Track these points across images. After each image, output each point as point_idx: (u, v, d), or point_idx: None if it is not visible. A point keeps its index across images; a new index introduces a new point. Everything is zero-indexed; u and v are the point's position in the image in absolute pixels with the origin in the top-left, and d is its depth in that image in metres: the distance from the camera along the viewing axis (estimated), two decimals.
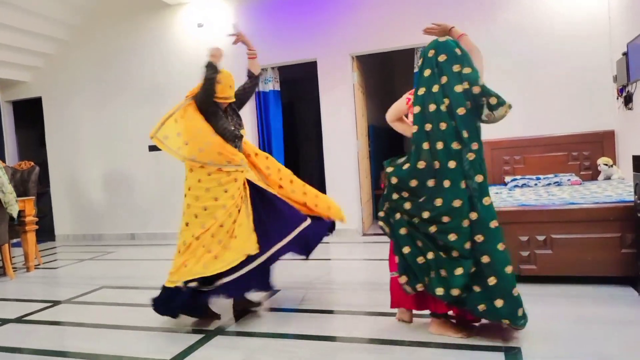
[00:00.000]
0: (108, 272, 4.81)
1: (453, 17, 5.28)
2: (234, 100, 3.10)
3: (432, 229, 2.35)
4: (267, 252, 2.80)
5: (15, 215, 4.61)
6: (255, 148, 3.26)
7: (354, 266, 4.51)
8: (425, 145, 2.37)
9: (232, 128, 3.01)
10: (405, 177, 2.44)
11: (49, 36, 6.76)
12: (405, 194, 2.47)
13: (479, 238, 2.30)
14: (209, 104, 2.97)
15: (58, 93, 7.09)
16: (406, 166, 2.46)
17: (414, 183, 2.42)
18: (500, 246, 2.29)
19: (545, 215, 3.18)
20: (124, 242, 6.66)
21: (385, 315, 2.81)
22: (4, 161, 6.34)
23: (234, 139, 2.99)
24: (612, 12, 4.72)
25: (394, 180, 2.48)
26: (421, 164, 2.39)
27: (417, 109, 2.43)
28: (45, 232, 7.05)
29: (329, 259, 4.94)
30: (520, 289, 3.12)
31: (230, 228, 2.83)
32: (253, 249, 2.79)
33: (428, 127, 2.37)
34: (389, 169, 2.52)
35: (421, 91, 2.42)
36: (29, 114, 7.53)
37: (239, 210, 2.89)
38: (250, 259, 2.77)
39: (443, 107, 2.34)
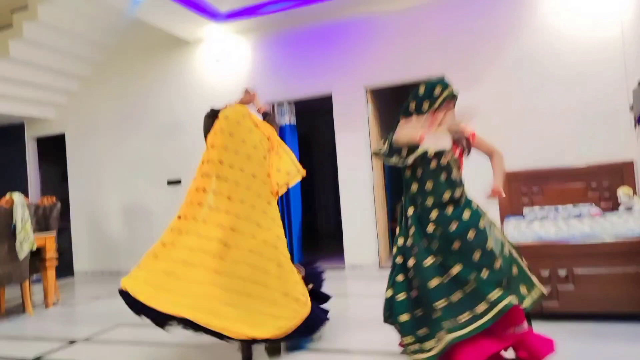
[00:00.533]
0: (124, 309, 4.79)
1: (465, 49, 5.35)
2: None
3: None
4: None
5: (20, 257, 4.54)
6: None
7: (370, 302, 4.42)
8: None
9: None
10: None
11: (72, 73, 7.01)
12: None
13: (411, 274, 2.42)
14: None
15: (81, 129, 7.28)
16: None
17: None
18: (433, 282, 2.31)
19: (566, 249, 3.12)
20: None
21: (403, 355, 2.74)
22: (27, 197, 6.48)
23: None
24: (626, 41, 4.72)
25: None
26: None
27: None
28: (64, 267, 7.11)
29: (346, 295, 4.88)
30: (543, 327, 3.03)
31: None
32: None
33: None
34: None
35: None
36: (53, 150, 7.73)
37: None
38: None
39: None
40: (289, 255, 2.97)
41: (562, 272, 3.10)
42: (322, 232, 9.18)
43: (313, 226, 8.97)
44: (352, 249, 5.91)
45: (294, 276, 2.90)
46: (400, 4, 5.66)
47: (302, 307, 2.84)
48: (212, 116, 3.17)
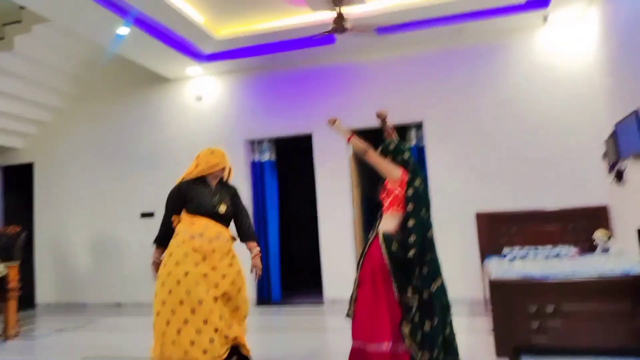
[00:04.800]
0: (90, 342, 4.54)
1: (444, 92, 5.58)
2: (218, 176, 3.25)
3: None
4: None
5: None
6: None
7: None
8: None
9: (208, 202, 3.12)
10: None
11: (44, 104, 6.81)
12: None
13: None
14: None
15: (50, 159, 7.04)
16: None
17: None
18: None
19: (553, 286, 3.16)
20: (109, 311, 6.33)
21: None
22: None
23: (206, 213, 3.10)
24: (595, 92, 5.01)
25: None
26: None
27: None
28: (24, 300, 6.67)
29: (325, 330, 4.77)
30: None
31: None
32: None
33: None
34: None
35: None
36: (19, 180, 7.43)
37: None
38: None
39: None
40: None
41: (550, 308, 3.12)
42: (300, 269, 9.03)
43: (291, 262, 8.82)
44: (332, 284, 5.83)
45: None
46: (381, 54, 5.88)
47: None
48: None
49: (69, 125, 7.01)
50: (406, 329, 2.63)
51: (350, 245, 5.82)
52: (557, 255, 4.28)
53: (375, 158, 2.93)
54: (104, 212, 6.73)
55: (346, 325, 4.70)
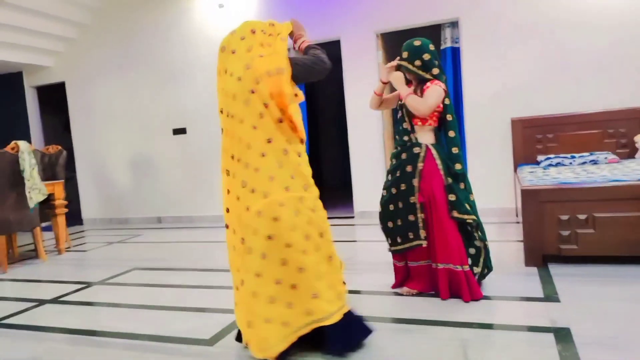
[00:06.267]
0: (137, 254, 4.84)
1: None
2: None
3: None
4: None
5: (31, 205, 4.45)
6: None
7: (378, 248, 4.44)
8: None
9: None
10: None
11: (70, 20, 6.74)
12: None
13: None
14: None
15: (81, 77, 7.10)
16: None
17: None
18: None
19: (587, 193, 3.07)
20: (150, 225, 6.71)
21: (408, 295, 2.84)
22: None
23: None
24: None
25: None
26: None
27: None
28: (72, 216, 7.13)
29: (355, 241, 4.91)
30: (562, 270, 3.08)
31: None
32: None
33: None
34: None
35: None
36: (53, 100, 7.58)
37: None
38: None
39: None
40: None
41: (582, 216, 3.07)
42: (329, 183, 9.17)
43: (320, 177, 8.95)
44: (362, 196, 5.90)
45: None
46: None
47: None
48: None
49: (96, 42, 6.95)
50: (473, 248, 2.71)
51: (380, 157, 5.78)
52: (595, 162, 4.14)
53: (424, 102, 2.72)
54: (138, 129, 6.86)
55: (374, 235, 4.86)
